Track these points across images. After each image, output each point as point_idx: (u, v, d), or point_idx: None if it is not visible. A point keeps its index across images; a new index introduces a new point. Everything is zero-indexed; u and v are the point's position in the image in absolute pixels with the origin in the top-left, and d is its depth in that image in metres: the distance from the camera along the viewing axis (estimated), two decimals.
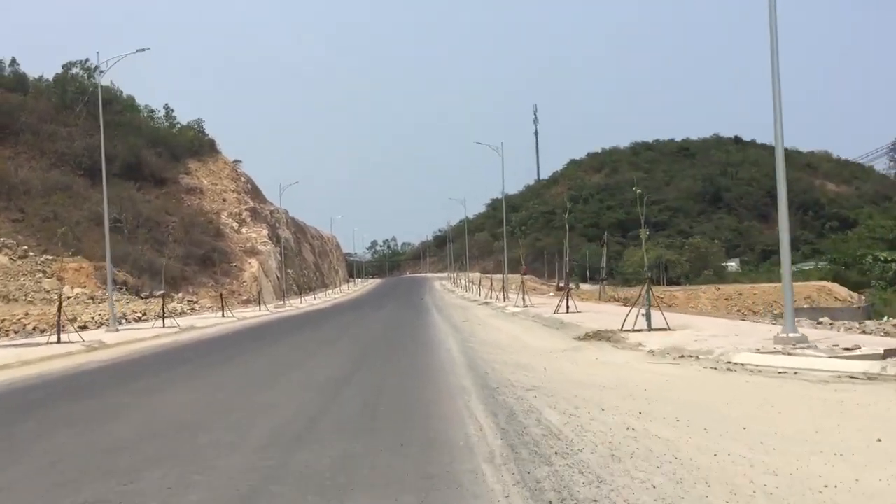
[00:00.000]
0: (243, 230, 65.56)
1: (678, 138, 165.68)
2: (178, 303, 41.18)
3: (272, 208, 77.60)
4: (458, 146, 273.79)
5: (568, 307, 23.30)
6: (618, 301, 37.40)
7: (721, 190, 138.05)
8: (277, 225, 75.29)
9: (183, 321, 29.05)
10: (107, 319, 26.68)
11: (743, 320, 22.02)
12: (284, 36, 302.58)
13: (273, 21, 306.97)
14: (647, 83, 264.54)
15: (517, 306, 29.96)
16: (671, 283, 68.57)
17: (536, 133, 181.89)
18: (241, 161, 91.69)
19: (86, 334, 21.47)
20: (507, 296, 37.79)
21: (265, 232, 66.69)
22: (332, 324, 27.23)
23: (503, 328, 21.10)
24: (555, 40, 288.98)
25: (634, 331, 15.30)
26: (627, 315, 16.17)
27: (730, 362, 10.98)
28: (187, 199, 68.02)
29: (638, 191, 21.01)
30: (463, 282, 74.38)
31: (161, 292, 45.41)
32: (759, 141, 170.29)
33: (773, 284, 49.79)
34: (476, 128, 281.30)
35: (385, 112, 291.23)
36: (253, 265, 58.24)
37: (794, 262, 71.52)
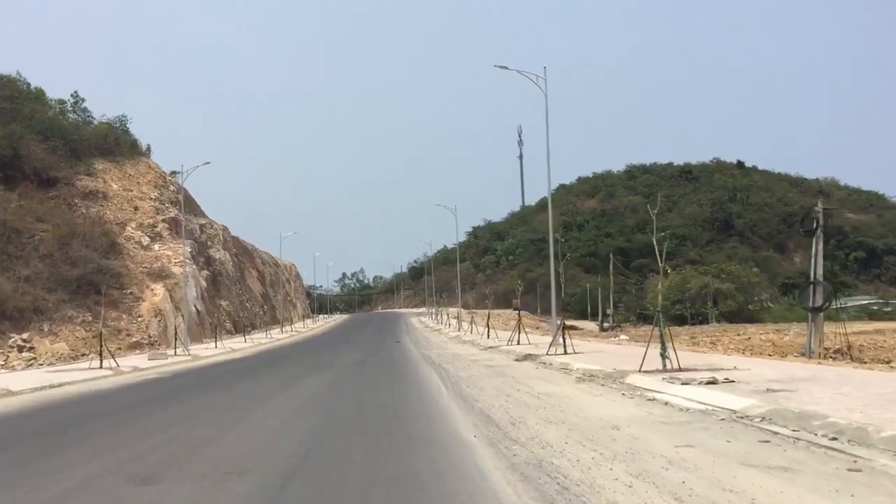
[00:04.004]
0: (155, 246, 48.30)
1: (676, 162, 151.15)
2: None
3: (204, 222, 60.47)
4: (436, 176, 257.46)
5: None
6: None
7: (732, 216, 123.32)
8: (210, 243, 58.11)
9: None
10: None
11: None
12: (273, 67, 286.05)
13: (258, 47, 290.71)
14: (640, 106, 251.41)
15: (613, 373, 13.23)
16: (729, 319, 52.39)
17: (521, 156, 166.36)
18: (179, 172, 74.76)
19: None
20: (562, 342, 20.30)
21: (186, 250, 49.43)
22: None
23: None
24: (542, 63, 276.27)
25: None
26: None
27: None
28: (83, 204, 50.78)
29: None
30: (449, 318, 57.74)
31: None
32: (760, 167, 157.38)
33: None
34: (456, 149, 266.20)
35: (360, 136, 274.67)
36: (157, 293, 40.94)
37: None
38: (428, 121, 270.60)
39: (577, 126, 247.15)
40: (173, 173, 76.63)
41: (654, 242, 14.50)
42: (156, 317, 39.43)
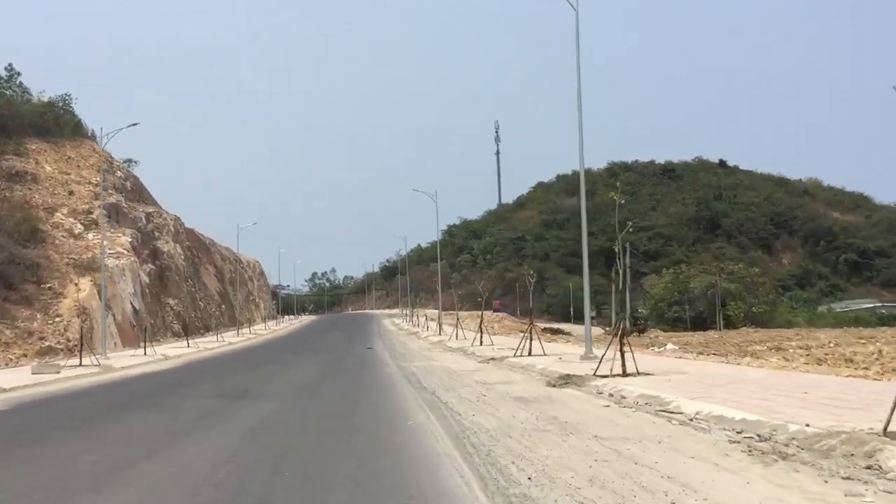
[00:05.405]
0: (88, 235, 41.72)
1: (657, 160, 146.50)
2: None
3: (152, 210, 53.83)
4: (411, 168, 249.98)
5: None
6: None
7: (718, 216, 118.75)
8: (157, 234, 51.49)
9: None
10: None
11: None
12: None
13: (258, 48, 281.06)
14: (623, 106, 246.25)
15: None
16: (755, 323, 46.95)
17: (498, 153, 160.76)
18: (136, 162, 68.16)
19: None
20: (621, 357, 13.51)
21: (126, 240, 42.92)
22: None
23: None
24: (517, 62, 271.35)
25: None
26: None
27: None
28: (6, 186, 44.15)
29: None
30: (427, 320, 51.96)
31: None
32: (742, 167, 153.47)
33: None
34: (430, 147, 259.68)
35: (360, 137, 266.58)
36: (82, 288, 34.40)
37: (811, 299, 48.61)
38: (427, 121, 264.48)
39: (560, 124, 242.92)
40: (128, 161, 70.22)
41: None
42: (78, 316, 32.90)
